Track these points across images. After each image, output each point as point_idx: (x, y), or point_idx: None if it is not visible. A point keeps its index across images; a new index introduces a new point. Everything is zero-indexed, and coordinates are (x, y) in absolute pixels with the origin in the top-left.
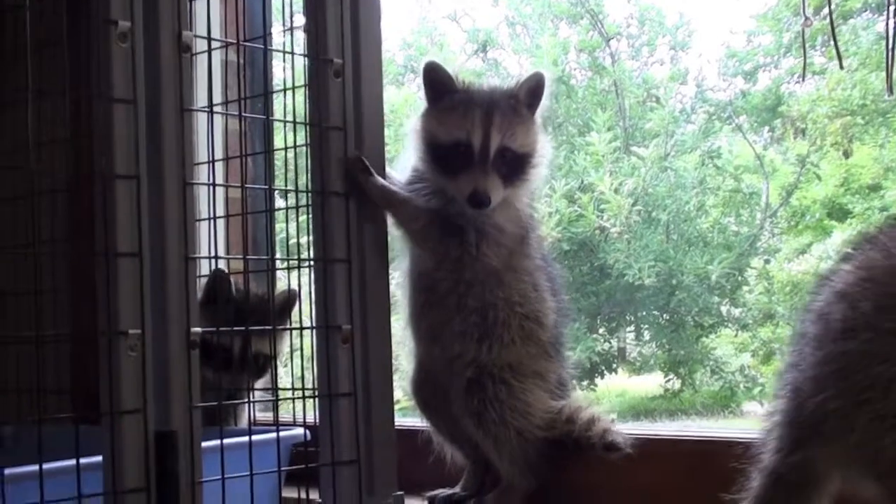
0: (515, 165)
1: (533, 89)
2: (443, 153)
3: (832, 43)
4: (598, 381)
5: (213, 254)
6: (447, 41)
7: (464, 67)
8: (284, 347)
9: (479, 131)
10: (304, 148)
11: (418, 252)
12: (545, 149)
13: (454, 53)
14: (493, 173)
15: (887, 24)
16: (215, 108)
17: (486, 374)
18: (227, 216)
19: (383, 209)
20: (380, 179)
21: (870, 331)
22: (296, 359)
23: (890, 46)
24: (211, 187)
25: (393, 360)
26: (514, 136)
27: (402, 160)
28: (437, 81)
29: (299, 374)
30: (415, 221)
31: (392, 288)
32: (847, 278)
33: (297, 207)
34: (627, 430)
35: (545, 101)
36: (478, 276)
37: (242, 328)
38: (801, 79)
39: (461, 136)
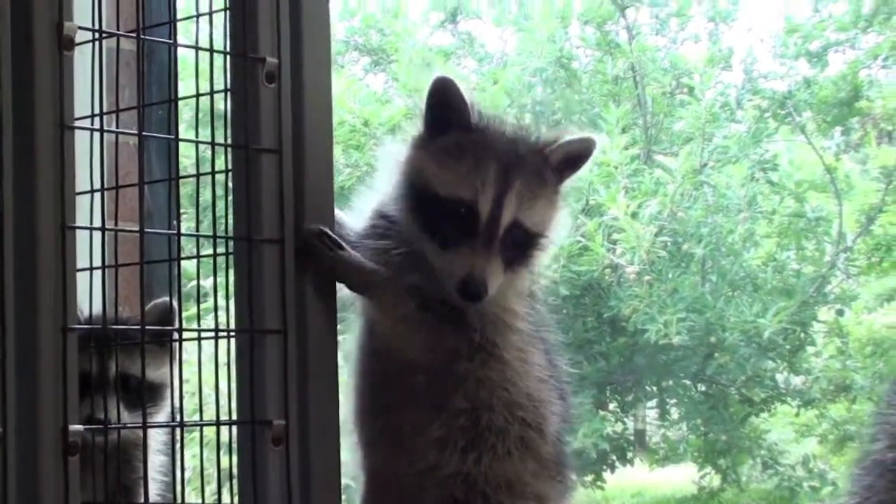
0: (523, 247)
1: (573, 157)
2: (437, 210)
3: None
4: (607, 474)
5: (98, 321)
6: (404, 8)
7: (474, 87)
8: (165, 376)
9: (491, 195)
10: (224, 176)
11: (403, 345)
12: (560, 229)
13: (414, 24)
14: (498, 255)
15: None
16: (107, 118)
17: (478, 492)
18: (117, 266)
19: (356, 293)
20: (347, 253)
21: None
22: (209, 464)
23: None
24: (99, 231)
25: (341, 466)
26: (531, 211)
27: (362, 202)
28: (447, 107)
29: (213, 487)
30: (394, 308)
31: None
32: None
33: (213, 256)
34: None
35: (581, 173)
36: (476, 371)
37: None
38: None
39: (466, 195)
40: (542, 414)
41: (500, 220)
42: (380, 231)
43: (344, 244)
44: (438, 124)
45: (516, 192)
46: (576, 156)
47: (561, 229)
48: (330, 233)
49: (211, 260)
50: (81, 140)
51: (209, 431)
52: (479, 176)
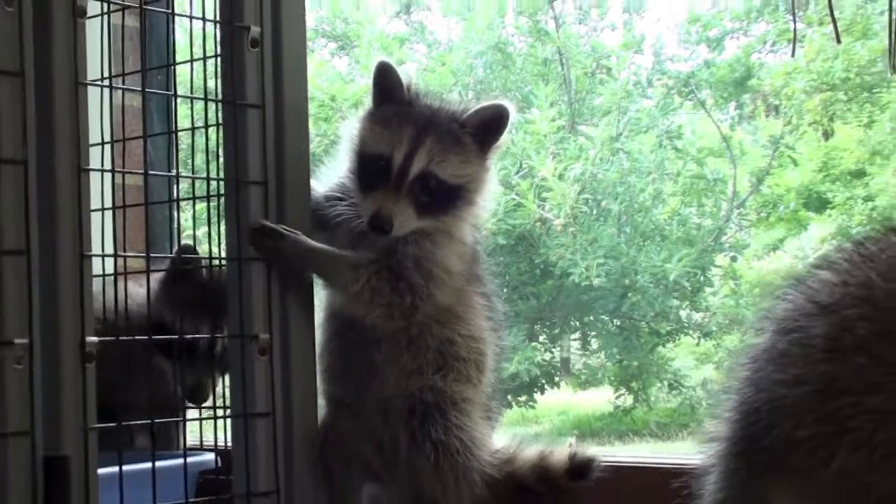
0: (441, 196)
1: (487, 122)
2: (365, 165)
3: (813, 6)
4: (538, 396)
5: (108, 250)
6: (366, 0)
7: (422, 76)
8: None
9: (404, 149)
10: (216, 129)
11: (361, 316)
12: (487, 186)
13: (373, 14)
14: (406, 198)
15: None
16: (114, 81)
17: (447, 397)
18: (125, 206)
19: (309, 274)
20: (297, 236)
21: (863, 356)
22: None
23: (893, 19)
24: (109, 174)
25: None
26: (444, 164)
27: (329, 169)
28: (385, 87)
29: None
30: (354, 282)
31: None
32: (834, 292)
33: (207, 198)
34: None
35: (503, 139)
36: (433, 316)
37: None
38: (788, 50)
39: (385, 149)
40: (485, 350)
41: (410, 169)
42: (339, 192)
43: (288, 230)
44: (380, 100)
45: (427, 148)
46: (490, 120)
47: (489, 186)
48: (270, 225)
49: (206, 202)
50: (93, 102)
51: None
52: (397, 135)
